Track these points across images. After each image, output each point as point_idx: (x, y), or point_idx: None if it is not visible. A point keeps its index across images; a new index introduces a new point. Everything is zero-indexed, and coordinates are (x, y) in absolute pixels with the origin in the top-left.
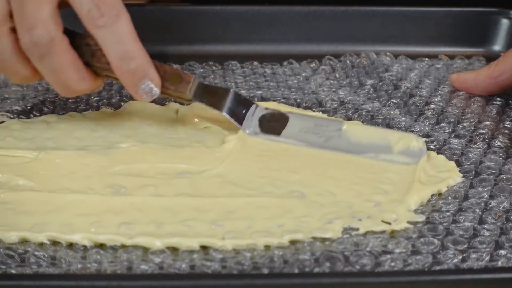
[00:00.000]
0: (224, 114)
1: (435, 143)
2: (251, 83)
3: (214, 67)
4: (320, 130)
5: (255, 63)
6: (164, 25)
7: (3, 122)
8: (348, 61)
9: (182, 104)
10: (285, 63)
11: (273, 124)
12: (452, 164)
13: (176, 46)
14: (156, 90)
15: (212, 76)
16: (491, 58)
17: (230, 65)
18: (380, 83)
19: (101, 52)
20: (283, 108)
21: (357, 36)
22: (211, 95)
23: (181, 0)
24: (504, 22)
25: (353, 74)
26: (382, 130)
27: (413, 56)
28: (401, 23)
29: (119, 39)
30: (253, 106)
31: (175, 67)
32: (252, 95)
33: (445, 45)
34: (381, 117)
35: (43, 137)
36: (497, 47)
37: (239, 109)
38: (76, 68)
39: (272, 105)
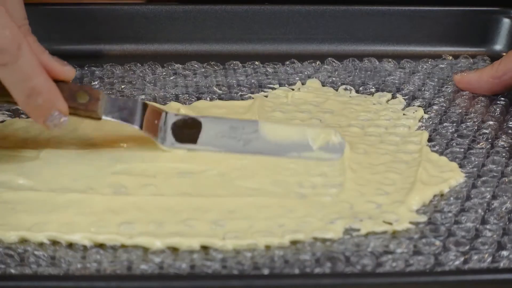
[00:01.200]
0: (138, 129)
1: (437, 147)
2: (252, 80)
3: (215, 67)
4: (236, 133)
5: (257, 62)
6: (164, 25)
7: (4, 121)
8: (350, 65)
9: (97, 119)
10: (287, 62)
11: (187, 132)
12: (454, 165)
13: (176, 46)
14: (65, 119)
15: (214, 75)
16: (492, 57)
17: (232, 64)
18: (383, 85)
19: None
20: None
21: (358, 36)
22: (121, 110)
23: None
24: (506, 21)
25: (356, 74)
26: (299, 127)
27: (412, 56)
28: (401, 22)
29: (24, 76)
30: (163, 114)
31: (176, 67)
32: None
33: (446, 44)
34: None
35: (44, 137)
36: (498, 46)
37: (151, 120)
38: None
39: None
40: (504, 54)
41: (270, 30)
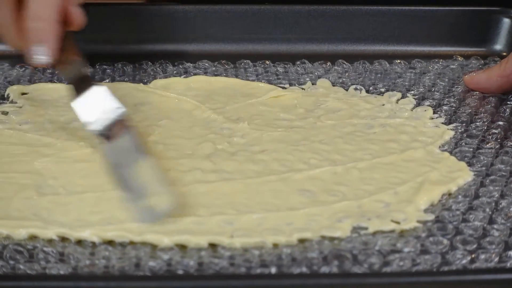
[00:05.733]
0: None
1: (446, 146)
2: (263, 80)
3: (226, 66)
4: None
5: (268, 62)
6: (161, 25)
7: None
8: (360, 67)
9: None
10: (298, 62)
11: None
12: (463, 164)
13: (186, 45)
14: (45, 59)
15: (224, 74)
16: (491, 57)
17: (242, 63)
18: (393, 86)
19: None
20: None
21: (359, 36)
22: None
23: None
24: (506, 21)
25: (366, 76)
26: None
27: (412, 56)
28: (400, 22)
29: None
30: (115, 111)
31: (187, 65)
32: None
33: (445, 44)
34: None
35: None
36: (498, 46)
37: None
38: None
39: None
40: (505, 54)
41: (270, 29)
